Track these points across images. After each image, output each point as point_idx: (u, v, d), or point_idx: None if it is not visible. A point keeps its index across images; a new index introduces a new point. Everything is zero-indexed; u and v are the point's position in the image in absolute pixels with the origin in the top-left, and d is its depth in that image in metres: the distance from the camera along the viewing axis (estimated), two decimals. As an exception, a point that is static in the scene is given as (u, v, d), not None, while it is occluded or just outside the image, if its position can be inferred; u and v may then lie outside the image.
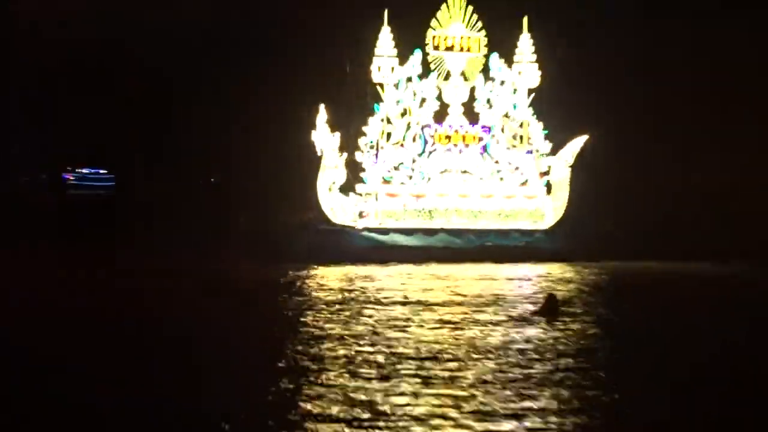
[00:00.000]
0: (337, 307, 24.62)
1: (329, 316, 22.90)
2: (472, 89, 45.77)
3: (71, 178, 60.82)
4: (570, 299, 26.18)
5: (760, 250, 41.18)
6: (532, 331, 20.57)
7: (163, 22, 49.74)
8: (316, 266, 39.05)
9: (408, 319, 22.28)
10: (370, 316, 22.66)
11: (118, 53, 51.72)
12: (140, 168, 53.77)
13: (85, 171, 61.05)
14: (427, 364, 16.98)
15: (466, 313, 23.30)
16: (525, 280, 34.12)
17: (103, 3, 50.43)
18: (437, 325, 21.42)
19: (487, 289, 29.27)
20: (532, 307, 24.17)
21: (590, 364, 17.23)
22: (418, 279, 33.89)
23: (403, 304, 25.56)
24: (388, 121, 44.64)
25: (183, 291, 28.15)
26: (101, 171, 60.62)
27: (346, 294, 28.04)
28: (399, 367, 16.71)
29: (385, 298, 26.74)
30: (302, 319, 22.35)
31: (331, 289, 29.14)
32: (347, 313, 23.38)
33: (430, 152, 45.20)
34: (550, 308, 22.86)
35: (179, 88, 52.01)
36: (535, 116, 46.22)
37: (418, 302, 25.77)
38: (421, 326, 21.25)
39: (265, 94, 49.86)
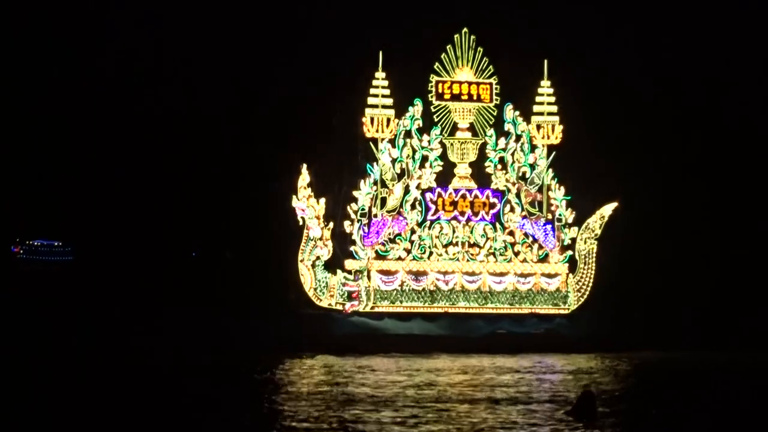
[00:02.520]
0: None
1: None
2: (483, 146, 41.44)
3: (20, 251, 57.65)
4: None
5: None
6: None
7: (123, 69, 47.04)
8: (297, 358, 35.40)
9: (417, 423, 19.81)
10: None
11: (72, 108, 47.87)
12: (102, 239, 48.88)
13: (36, 243, 58.16)
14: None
15: (487, 416, 21.13)
16: (548, 374, 31.15)
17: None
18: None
19: (504, 384, 27.16)
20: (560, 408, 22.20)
21: None
22: (421, 373, 30.42)
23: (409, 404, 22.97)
24: (383, 185, 40.60)
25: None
26: (55, 243, 57.59)
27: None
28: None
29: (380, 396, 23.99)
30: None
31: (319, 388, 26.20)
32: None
33: (432, 221, 41.01)
34: (586, 408, 20.90)
35: (145, 146, 47.32)
36: (556, 179, 41.70)
37: (425, 401, 23.43)
38: None
39: (235, 154, 45.31)
